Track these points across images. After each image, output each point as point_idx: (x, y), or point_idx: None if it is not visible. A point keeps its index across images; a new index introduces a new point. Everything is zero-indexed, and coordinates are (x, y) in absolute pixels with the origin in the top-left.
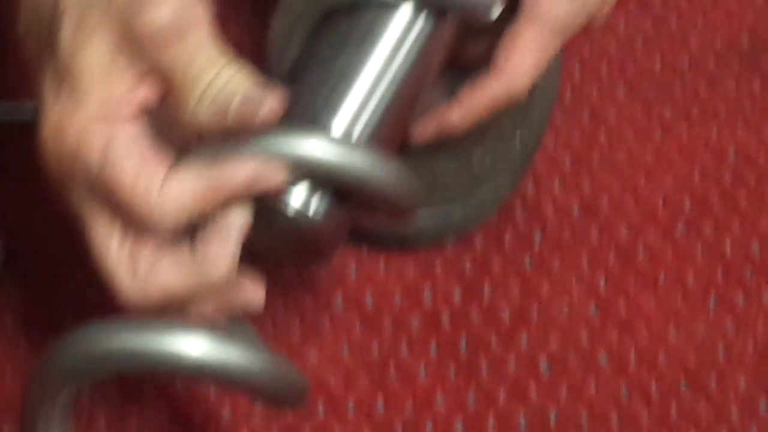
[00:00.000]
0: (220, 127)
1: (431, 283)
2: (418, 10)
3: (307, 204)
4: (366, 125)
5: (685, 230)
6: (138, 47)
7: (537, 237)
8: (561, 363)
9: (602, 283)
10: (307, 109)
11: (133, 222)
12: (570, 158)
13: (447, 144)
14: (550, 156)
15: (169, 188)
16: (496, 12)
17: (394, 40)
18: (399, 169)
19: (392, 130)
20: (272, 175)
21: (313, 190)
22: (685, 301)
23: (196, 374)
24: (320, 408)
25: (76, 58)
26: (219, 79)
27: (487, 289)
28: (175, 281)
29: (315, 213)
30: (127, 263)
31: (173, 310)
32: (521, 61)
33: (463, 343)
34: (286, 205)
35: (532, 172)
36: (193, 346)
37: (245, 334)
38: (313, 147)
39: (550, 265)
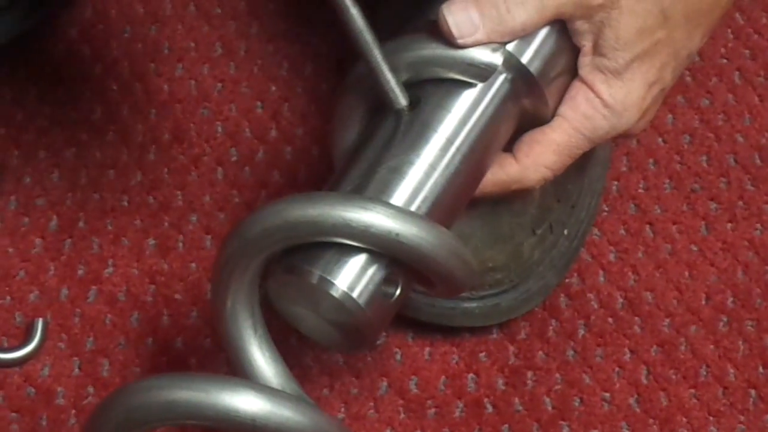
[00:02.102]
0: None
1: (475, 371)
2: (486, 88)
3: (353, 286)
4: (425, 199)
5: (727, 326)
6: None
7: (580, 328)
8: None
9: (643, 375)
10: (368, 181)
11: None
12: (615, 251)
13: (500, 237)
14: (595, 249)
15: None
16: None
17: (460, 117)
18: (456, 241)
19: (452, 206)
20: None
21: (361, 271)
22: (725, 397)
23: (251, 429)
24: None
25: None
26: None
27: (530, 378)
28: None
29: (360, 295)
30: None
31: None
32: (541, 158)
33: None
34: (331, 285)
35: (577, 265)
36: (249, 402)
37: (297, 394)
38: (370, 212)
39: (592, 357)
